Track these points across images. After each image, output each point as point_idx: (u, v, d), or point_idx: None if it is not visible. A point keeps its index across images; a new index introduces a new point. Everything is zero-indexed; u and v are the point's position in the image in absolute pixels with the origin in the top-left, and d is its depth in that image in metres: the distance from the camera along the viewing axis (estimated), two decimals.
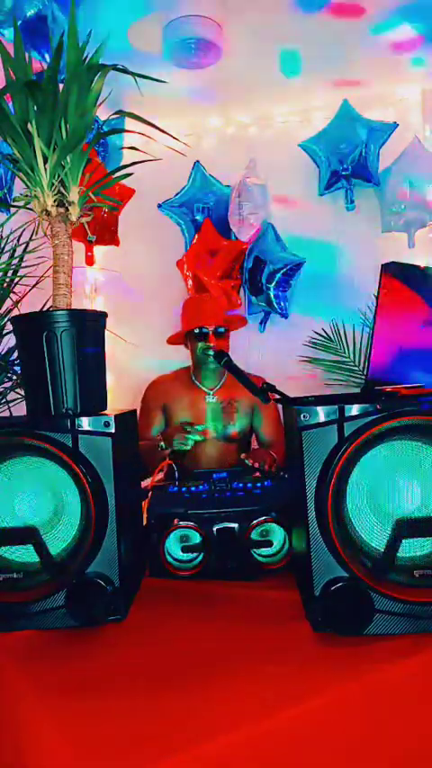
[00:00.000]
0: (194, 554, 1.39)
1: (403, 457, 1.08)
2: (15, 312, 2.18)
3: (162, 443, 2.02)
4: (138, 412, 2.02)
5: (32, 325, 1.20)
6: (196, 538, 1.37)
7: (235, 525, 1.37)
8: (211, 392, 2.27)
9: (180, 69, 2.71)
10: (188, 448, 1.96)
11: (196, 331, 2.21)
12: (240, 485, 1.49)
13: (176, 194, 3.26)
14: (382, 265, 1.29)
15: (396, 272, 1.30)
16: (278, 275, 3.16)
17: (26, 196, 1.24)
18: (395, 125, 3.04)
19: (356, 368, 3.01)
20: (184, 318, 2.32)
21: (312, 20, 2.49)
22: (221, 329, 2.22)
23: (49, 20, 2.10)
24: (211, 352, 2.16)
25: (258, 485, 1.48)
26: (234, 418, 2.26)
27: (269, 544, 1.38)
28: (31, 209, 1.25)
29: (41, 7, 2.09)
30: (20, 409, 2.14)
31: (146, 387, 2.41)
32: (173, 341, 2.38)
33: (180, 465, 1.80)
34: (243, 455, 1.88)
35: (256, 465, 1.73)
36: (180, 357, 2.50)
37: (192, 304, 2.39)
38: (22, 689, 0.94)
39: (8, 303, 2.26)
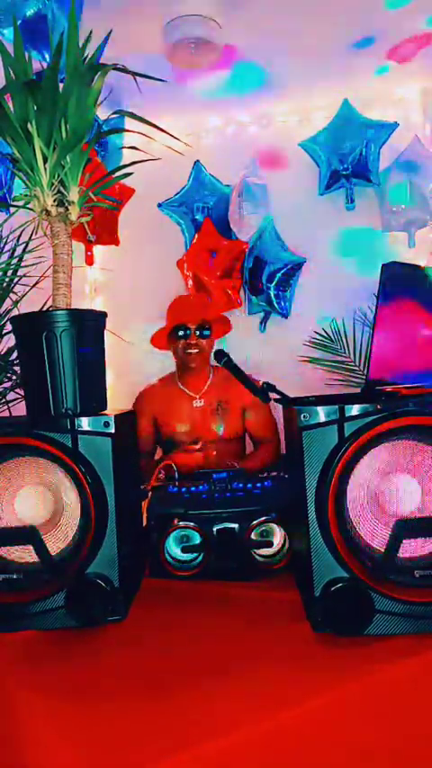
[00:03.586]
0: (194, 554, 1.38)
1: (404, 457, 1.07)
2: (15, 312, 2.18)
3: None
4: None
5: (32, 325, 1.20)
6: (196, 538, 1.37)
7: (235, 525, 1.37)
8: (198, 395, 2.27)
9: (180, 69, 2.71)
10: None
11: (180, 333, 2.21)
12: (240, 485, 1.48)
13: (176, 194, 3.27)
14: (383, 265, 1.29)
15: (396, 272, 1.30)
16: (278, 275, 3.17)
17: (26, 196, 1.24)
18: (395, 125, 3.04)
19: (356, 368, 3.01)
20: (167, 317, 2.32)
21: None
22: (206, 331, 2.22)
23: (49, 19, 2.09)
24: (194, 351, 2.16)
25: (258, 485, 1.48)
26: (224, 419, 2.25)
27: (269, 544, 1.38)
28: (30, 209, 1.25)
29: (41, 7, 2.09)
30: (20, 409, 2.14)
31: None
32: (156, 342, 2.37)
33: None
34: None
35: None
36: None
37: (175, 304, 2.38)
38: (22, 689, 0.94)
39: (8, 303, 2.26)
